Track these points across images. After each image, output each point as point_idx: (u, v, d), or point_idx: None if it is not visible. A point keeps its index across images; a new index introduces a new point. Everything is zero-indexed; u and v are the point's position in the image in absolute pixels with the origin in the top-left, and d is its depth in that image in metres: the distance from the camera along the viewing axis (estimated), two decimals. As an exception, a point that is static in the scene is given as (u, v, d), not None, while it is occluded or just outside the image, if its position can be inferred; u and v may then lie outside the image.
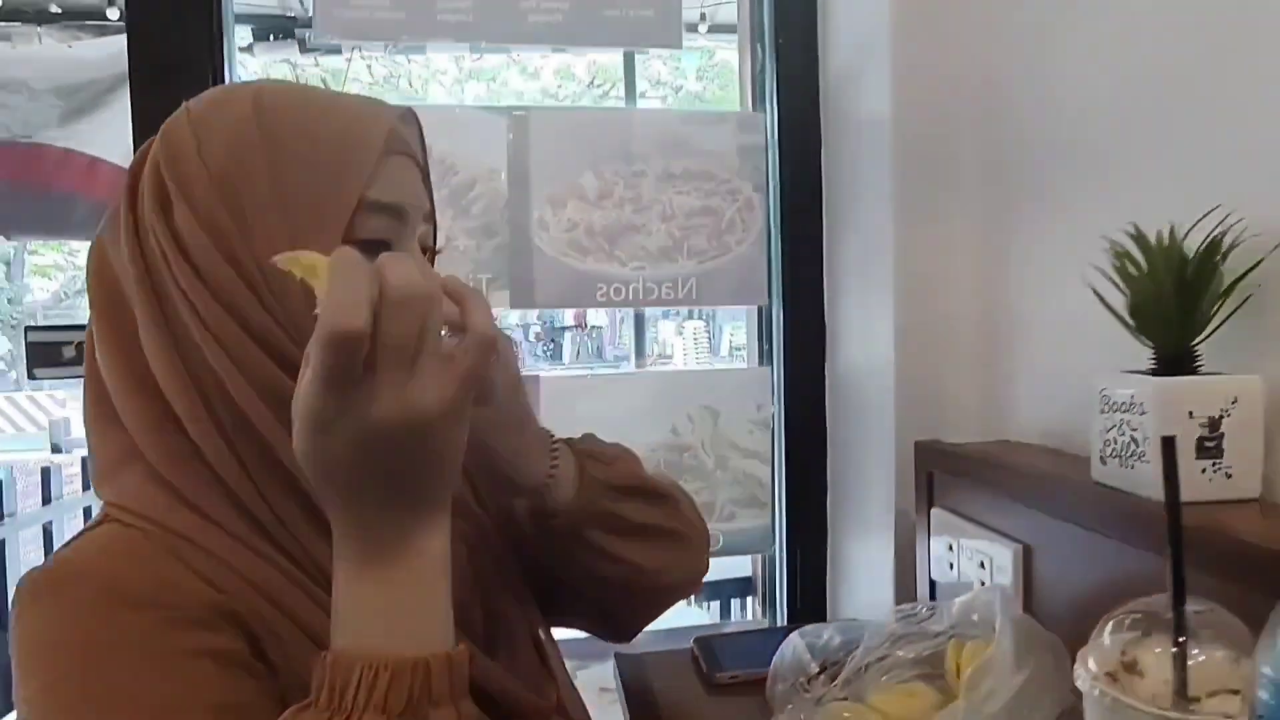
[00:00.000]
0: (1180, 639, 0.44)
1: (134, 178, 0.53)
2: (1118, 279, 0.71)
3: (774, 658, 0.74)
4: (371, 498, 0.43)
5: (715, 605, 1.97)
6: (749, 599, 1.54)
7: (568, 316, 8.85)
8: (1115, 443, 0.70)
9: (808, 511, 1.30)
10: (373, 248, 0.48)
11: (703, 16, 2.50)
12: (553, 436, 0.62)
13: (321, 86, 0.57)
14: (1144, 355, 0.70)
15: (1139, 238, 0.69)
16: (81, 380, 0.54)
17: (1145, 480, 0.67)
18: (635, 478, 0.65)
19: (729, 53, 1.65)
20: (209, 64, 1.14)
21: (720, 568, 1.52)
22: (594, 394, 1.31)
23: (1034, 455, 0.91)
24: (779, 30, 1.28)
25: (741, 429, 1.30)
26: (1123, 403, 0.69)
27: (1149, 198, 0.77)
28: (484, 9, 1.19)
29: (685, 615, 2.06)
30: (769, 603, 1.40)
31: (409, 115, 0.57)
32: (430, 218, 0.59)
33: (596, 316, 8.73)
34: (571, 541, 0.61)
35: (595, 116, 1.31)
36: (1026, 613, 0.75)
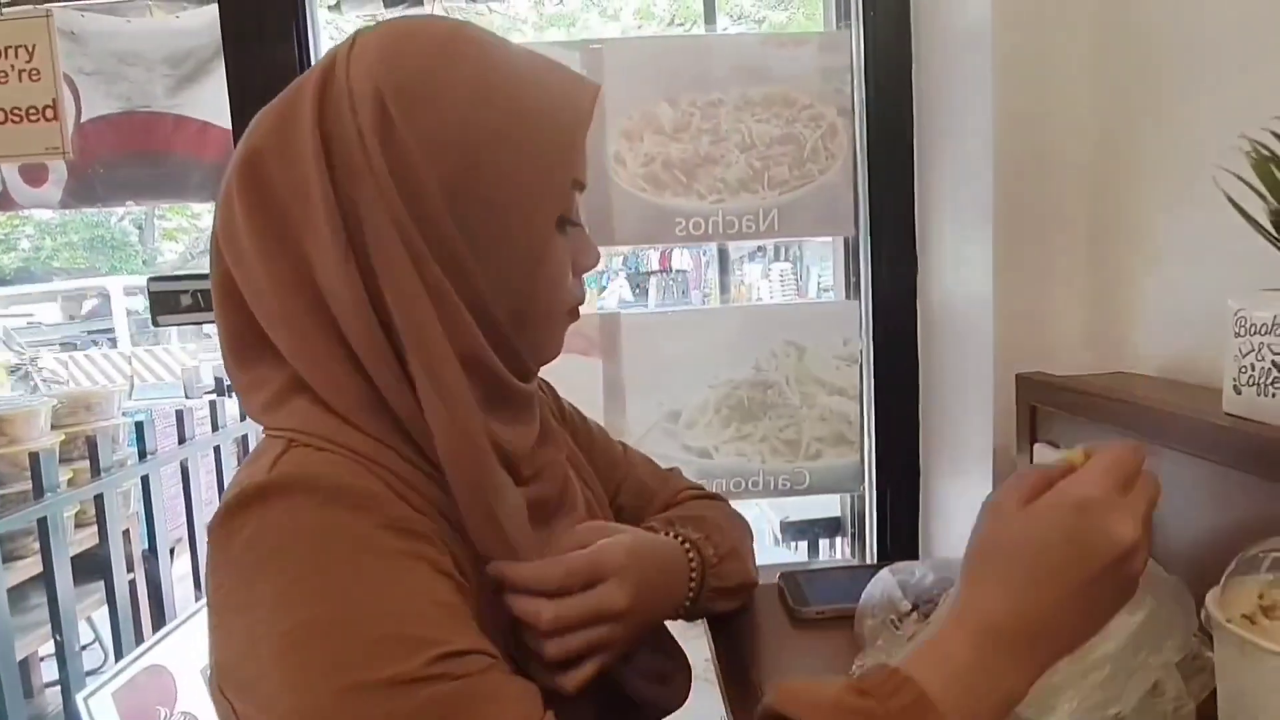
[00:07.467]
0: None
1: (320, 91, 0.51)
2: (1260, 184, 0.63)
3: (863, 593, 0.71)
4: (1047, 592, 0.44)
5: (803, 545, 1.95)
6: (838, 540, 1.51)
7: (652, 260, 8.79)
8: (1253, 369, 0.63)
9: (898, 449, 1.26)
10: (564, 226, 0.55)
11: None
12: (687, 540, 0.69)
13: (516, 45, 0.56)
14: (1288, 270, 0.62)
15: (1286, 135, 0.60)
16: (199, 324, 0.55)
17: (1287, 409, 0.60)
18: (739, 576, 0.73)
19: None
20: (294, 25, 1.14)
21: (809, 507, 1.50)
22: (676, 331, 1.28)
23: (1152, 386, 0.84)
24: (865, -63, 1.19)
25: (828, 365, 1.26)
26: (1262, 324, 0.62)
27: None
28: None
29: (773, 555, 2.05)
30: (858, 544, 1.37)
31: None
32: None
33: (681, 260, 8.64)
34: None
35: (669, 45, 1.26)
36: (1141, 553, 0.70)
